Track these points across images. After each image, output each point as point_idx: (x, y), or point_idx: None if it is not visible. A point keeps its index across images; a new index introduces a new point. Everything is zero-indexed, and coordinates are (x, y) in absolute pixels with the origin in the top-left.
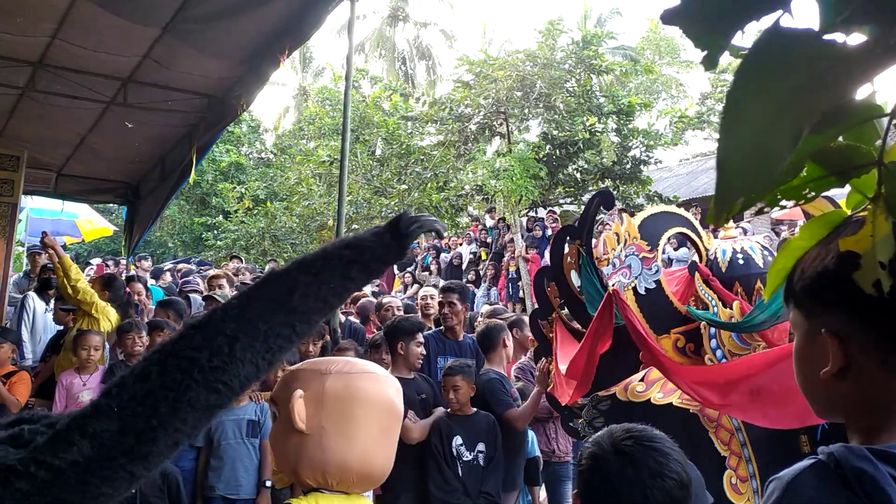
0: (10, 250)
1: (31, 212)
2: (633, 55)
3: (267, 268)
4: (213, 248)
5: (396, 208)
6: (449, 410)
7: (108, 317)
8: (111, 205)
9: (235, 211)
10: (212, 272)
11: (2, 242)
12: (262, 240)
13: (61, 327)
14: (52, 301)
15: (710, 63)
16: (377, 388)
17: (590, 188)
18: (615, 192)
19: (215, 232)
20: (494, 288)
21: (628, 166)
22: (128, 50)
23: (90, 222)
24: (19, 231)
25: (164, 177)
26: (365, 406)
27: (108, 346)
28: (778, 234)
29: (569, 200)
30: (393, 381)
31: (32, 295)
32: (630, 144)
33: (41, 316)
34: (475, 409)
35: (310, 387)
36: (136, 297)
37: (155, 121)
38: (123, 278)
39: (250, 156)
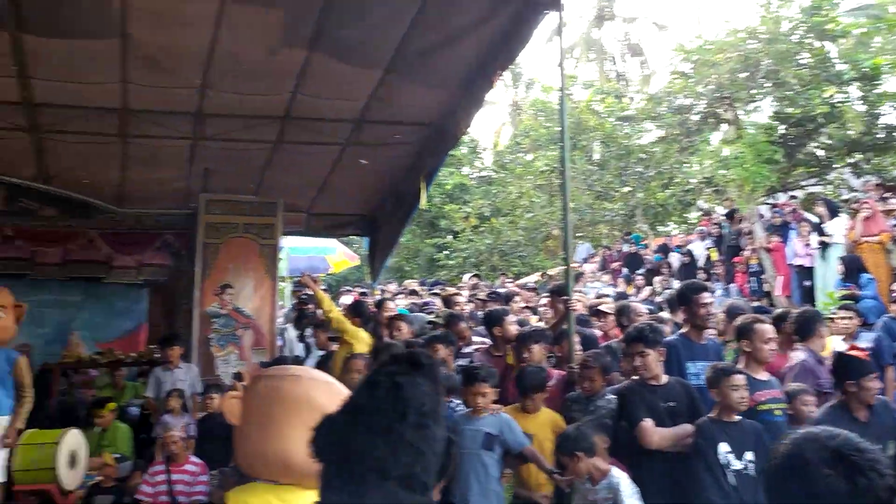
0: (276, 287)
1: (289, 250)
2: (875, 12)
3: (497, 282)
4: (446, 268)
5: (621, 212)
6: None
7: (362, 339)
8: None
9: (463, 230)
10: (450, 290)
11: (268, 280)
12: (491, 255)
13: (322, 351)
14: (307, 329)
15: None
16: (299, 388)
17: (836, 165)
18: (867, 166)
19: (446, 252)
20: (734, 284)
21: (880, 136)
22: (357, 93)
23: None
24: (281, 269)
25: (398, 206)
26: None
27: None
28: None
29: (812, 182)
30: (323, 383)
31: (289, 327)
32: (879, 111)
33: (295, 343)
34: (740, 417)
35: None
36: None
37: (385, 155)
38: (376, 302)
39: (472, 175)
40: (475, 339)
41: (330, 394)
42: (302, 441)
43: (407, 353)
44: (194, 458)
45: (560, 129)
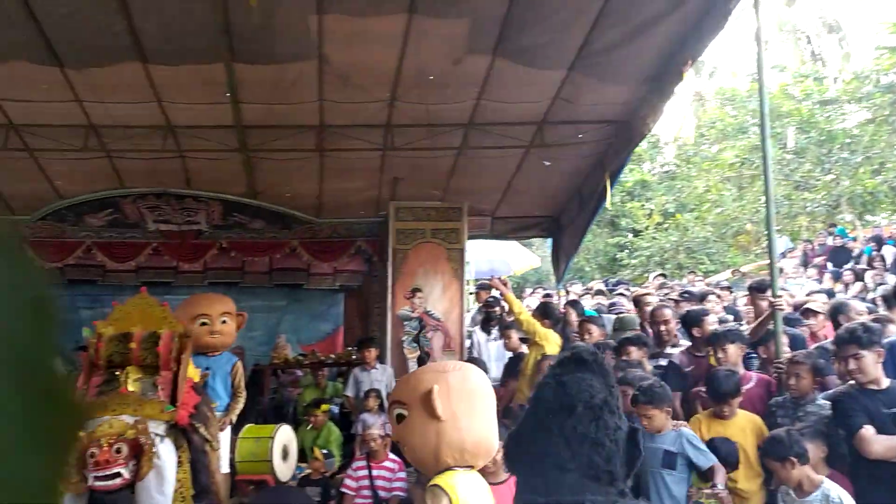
0: (463, 290)
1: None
2: None
3: (685, 280)
4: (628, 268)
5: (823, 202)
6: None
7: (552, 341)
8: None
9: (646, 228)
10: (639, 291)
11: (456, 283)
12: (677, 253)
13: (510, 353)
14: (495, 330)
15: None
16: (480, 379)
17: None
18: None
19: (628, 251)
20: None
21: None
22: (540, 95)
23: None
24: (466, 272)
25: (582, 206)
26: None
27: None
28: None
29: None
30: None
31: (477, 329)
32: None
33: (484, 346)
34: None
35: (439, 383)
36: (572, 319)
37: (568, 155)
38: (566, 303)
39: (654, 171)
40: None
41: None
42: (493, 426)
43: (571, 352)
44: (392, 456)
45: (760, 115)
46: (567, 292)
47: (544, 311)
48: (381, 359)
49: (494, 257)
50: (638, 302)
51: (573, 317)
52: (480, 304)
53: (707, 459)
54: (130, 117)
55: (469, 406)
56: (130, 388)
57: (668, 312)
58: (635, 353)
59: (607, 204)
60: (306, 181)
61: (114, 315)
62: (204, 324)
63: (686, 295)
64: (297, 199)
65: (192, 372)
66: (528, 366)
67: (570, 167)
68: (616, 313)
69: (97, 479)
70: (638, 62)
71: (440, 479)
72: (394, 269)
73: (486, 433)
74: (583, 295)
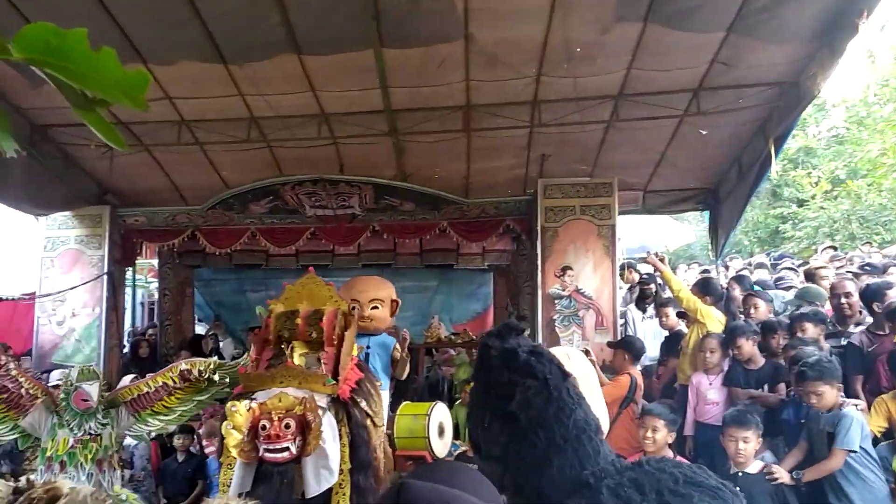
0: (615, 267)
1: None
2: None
3: (856, 252)
4: (793, 240)
5: None
6: None
7: (714, 318)
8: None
9: (812, 197)
10: (814, 263)
11: (607, 260)
12: (848, 223)
13: (666, 332)
14: (650, 308)
15: None
16: (582, 362)
17: None
18: None
19: (792, 222)
20: None
21: None
22: (695, 60)
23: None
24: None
25: (742, 176)
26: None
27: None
28: None
29: None
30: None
31: (632, 307)
32: None
33: (639, 324)
34: None
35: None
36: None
37: (727, 122)
38: (731, 278)
39: (819, 136)
40: None
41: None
42: (592, 405)
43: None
44: None
45: None
46: (726, 267)
47: (705, 287)
48: (532, 338)
49: (647, 233)
50: (811, 275)
51: (737, 292)
52: (628, 284)
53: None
54: (287, 108)
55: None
56: (296, 361)
57: (849, 285)
58: (811, 329)
59: (772, 173)
60: (454, 162)
61: (284, 294)
62: (353, 308)
63: (867, 267)
64: (445, 180)
65: (355, 351)
66: (689, 344)
67: (729, 135)
68: (783, 288)
69: (267, 451)
70: (805, 17)
71: None
72: (543, 248)
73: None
74: (741, 270)
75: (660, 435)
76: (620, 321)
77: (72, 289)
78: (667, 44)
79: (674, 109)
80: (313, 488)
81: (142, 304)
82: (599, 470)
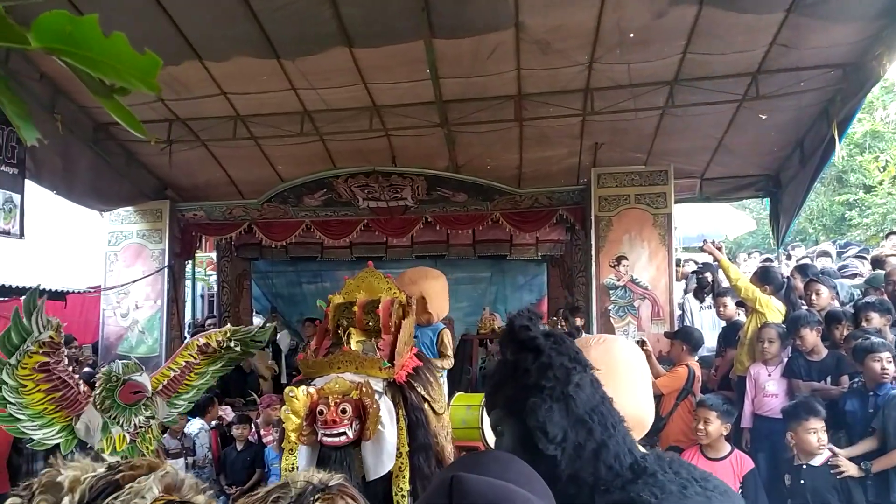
0: (671, 257)
1: (682, 219)
2: None
3: None
4: (859, 227)
5: None
6: None
7: (774, 308)
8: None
9: (879, 183)
10: (883, 251)
11: (663, 250)
12: None
13: (724, 322)
14: (709, 298)
15: None
16: (625, 352)
17: None
18: None
19: (858, 209)
20: None
21: None
22: (753, 43)
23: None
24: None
25: (804, 162)
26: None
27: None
28: None
29: None
30: (629, 343)
31: (689, 297)
32: None
33: (697, 314)
34: None
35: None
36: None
37: (787, 106)
38: (794, 267)
39: (887, 119)
40: None
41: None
42: (635, 395)
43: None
44: None
45: None
46: (788, 256)
47: (764, 277)
48: (586, 328)
49: (705, 221)
50: (880, 263)
51: (798, 281)
52: (681, 278)
53: None
54: (340, 100)
55: (615, 378)
56: (353, 347)
57: None
58: (876, 319)
59: (836, 158)
60: (506, 152)
61: (345, 288)
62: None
63: None
64: (497, 171)
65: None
66: (748, 334)
67: (790, 119)
68: (848, 276)
69: (325, 435)
70: None
71: None
72: (597, 237)
73: (636, 405)
74: (803, 259)
75: (712, 427)
76: (678, 311)
77: (134, 282)
78: (724, 26)
79: (732, 94)
80: (373, 471)
81: (201, 296)
82: (646, 456)
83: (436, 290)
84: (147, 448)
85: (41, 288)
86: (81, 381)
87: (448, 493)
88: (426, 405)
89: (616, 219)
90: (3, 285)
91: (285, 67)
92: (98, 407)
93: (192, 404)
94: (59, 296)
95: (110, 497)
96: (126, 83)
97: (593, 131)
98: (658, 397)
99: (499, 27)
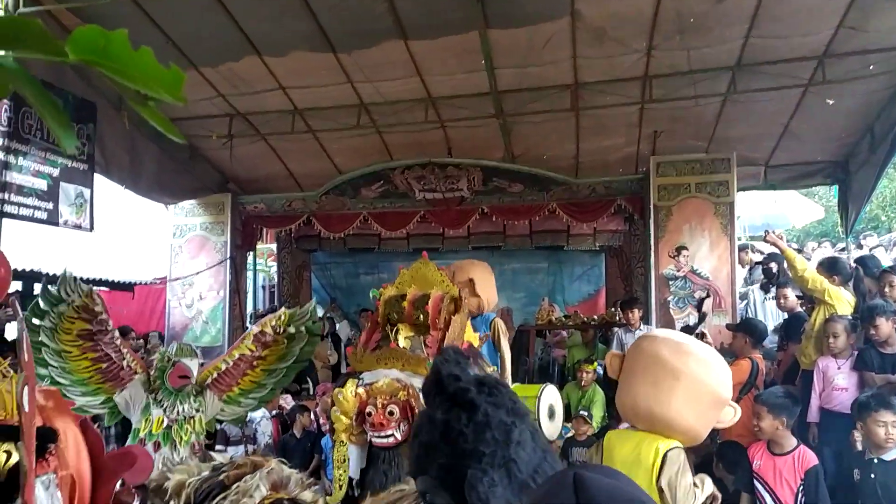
0: (734, 247)
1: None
2: None
3: None
4: None
5: None
6: None
7: (843, 299)
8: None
9: None
10: None
11: (725, 240)
12: None
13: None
14: (771, 290)
15: None
16: (650, 345)
17: None
18: None
19: None
20: None
21: None
22: (819, 25)
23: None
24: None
25: (874, 147)
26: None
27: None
28: None
29: None
30: (671, 341)
31: (754, 288)
32: None
33: (760, 306)
34: None
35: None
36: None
37: (856, 90)
38: (856, 259)
39: None
40: None
41: (674, 350)
42: (676, 400)
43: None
44: None
45: None
46: (859, 245)
47: (832, 267)
48: (645, 320)
49: (769, 210)
50: None
51: (862, 274)
52: (746, 266)
53: None
54: (396, 93)
55: (632, 372)
56: (401, 343)
57: None
58: None
59: None
60: (563, 142)
61: (399, 279)
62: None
63: None
64: (554, 161)
65: (471, 336)
66: (814, 327)
67: (859, 104)
68: None
69: (374, 437)
70: None
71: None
72: (656, 227)
73: (647, 399)
74: (874, 248)
75: (764, 423)
76: (741, 302)
77: (198, 273)
78: (788, 9)
79: (797, 78)
80: None
81: (263, 287)
82: None
83: (483, 274)
84: (181, 438)
85: (103, 279)
86: (133, 359)
87: (574, 491)
88: None
89: (676, 208)
90: (77, 277)
91: (342, 61)
92: (149, 386)
93: (263, 403)
94: (128, 287)
95: (218, 498)
96: (155, 94)
97: (652, 119)
98: None
99: (554, 16)
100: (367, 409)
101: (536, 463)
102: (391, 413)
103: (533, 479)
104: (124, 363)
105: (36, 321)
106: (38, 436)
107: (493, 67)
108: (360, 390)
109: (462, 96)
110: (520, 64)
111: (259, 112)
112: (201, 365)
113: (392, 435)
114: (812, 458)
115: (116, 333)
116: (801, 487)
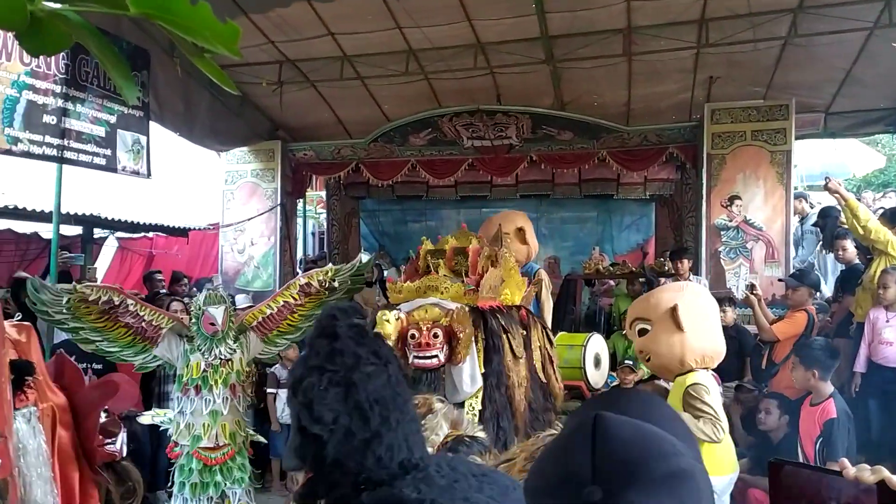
0: (790, 196)
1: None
2: None
3: None
4: None
5: None
6: None
7: None
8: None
9: None
10: None
11: (780, 189)
12: None
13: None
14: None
15: None
16: (707, 297)
17: None
18: None
19: None
20: None
21: None
22: None
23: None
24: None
25: None
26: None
27: None
28: None
29: None
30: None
31: (806, 241)
32: None
33: (818, 257)
34: None
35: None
36: None
37: None
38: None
39: None
40: None
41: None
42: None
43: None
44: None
45: None
46: None
47: (893, 217)
48: (695, 270)
49: (829, 159)
50: None
51: None
52: (799, 216)
53: None
54: (444, 38)
55: (702, 319)
56: (441, 273)
57: None
58: None
59: None
60: (614, 88)
61: (439, 244)
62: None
63: None
64: (604, 108)
65: (520, 280)
66: (872, 278)
67: None
68: None
69: (417, 357)
70: None
71: (693, 378)
72: (709, 176)
73: (717, 341)
74: None
75: (797, 373)
76: (795, 253)
77: (249, 220)
78: None
79: (862, 21)
80: (462, 393)
81: (312, 234)
82: (424, 456)
83: (528, 224)
84: (217, 381)
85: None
86: (154, 315)
87: (591, 433)
88: (505, 335)
89: (730, 157)
90: (135, 222)
91: (390, 5)
92: (186, 334)
93: (294, 344)
94: (182, 232)
95: None
96: (212, 47)
97: (707, 65)
98: (772, 343)
99: None
100: (411, 332)
101: (381, 396)
102: (436, 335)
103: (370, 406)
104: (144, 323)
105: (57, 316)
106: (15, 368)
107: (543, 11)
108: (402, 315)
109: (511, 41)
110: (571, 7)
111: (308, 59)
112: (250, 307)
113: (436, 356)
114: (832, 411)
115: (130, 301)
116: (820, 438)
